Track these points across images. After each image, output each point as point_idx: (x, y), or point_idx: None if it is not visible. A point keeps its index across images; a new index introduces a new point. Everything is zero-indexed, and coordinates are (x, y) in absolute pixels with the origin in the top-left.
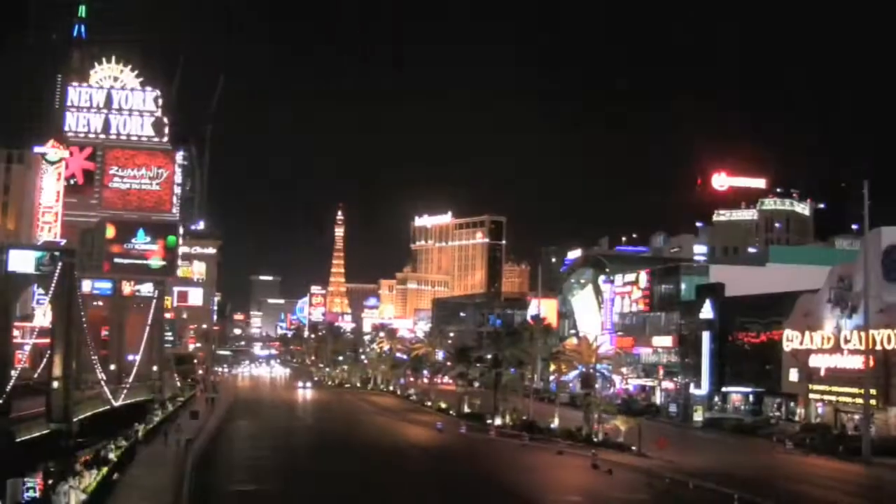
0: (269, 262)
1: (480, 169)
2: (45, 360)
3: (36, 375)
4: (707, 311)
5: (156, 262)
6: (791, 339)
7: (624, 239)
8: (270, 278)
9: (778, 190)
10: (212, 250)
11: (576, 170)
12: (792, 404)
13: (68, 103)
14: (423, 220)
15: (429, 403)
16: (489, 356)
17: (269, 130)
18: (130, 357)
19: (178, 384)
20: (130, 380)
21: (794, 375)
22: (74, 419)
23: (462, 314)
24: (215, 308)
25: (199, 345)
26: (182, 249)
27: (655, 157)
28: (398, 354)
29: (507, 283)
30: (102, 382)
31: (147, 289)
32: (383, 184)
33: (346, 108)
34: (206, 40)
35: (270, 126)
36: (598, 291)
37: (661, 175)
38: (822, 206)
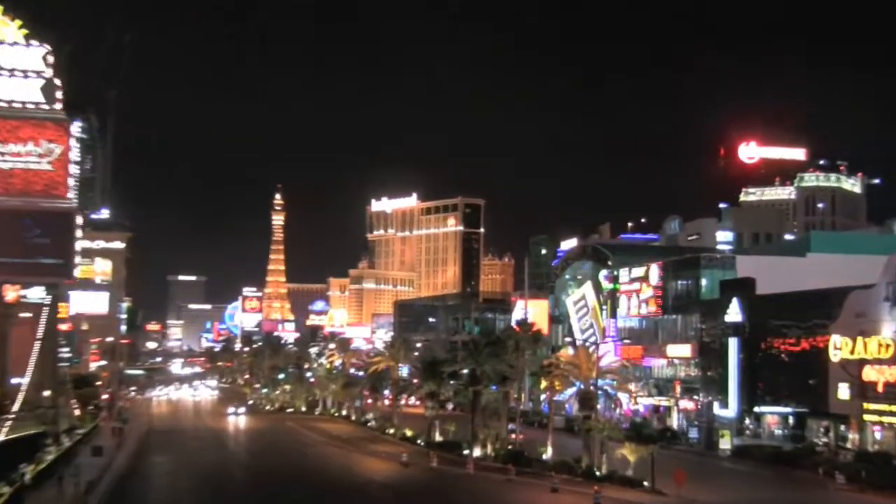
0: (191, 258)
1: (453, 145)
2: None
3: None
4: (734, 313)
5: (47, 260)
6: (839, 347)
7: (630, 225)
8: (193, 278)
9: (821, 162)
10: (119, 245)
11: (569, 144)
12: (842, 428)
13: None
14: (381, 205)
15: (391, 431)
16: (465, 371)
17: (194, 98)
18: (15, 380)
19: (77, 412)
20: (15, 408)
21: (843, 392)
22: None
23: (431, 319)
24: (124, 316)
25: (103, 363)
26: (81, 244)
27: (667, 127)
28: (353, 370)
29: (487, 281)
30: None
31: (37, 294)
32: (333, 162)
33: (288, 74)
34: None
35: (195, 93)
36: (598, 290)
37: (675, 148)
38: (876, 181)
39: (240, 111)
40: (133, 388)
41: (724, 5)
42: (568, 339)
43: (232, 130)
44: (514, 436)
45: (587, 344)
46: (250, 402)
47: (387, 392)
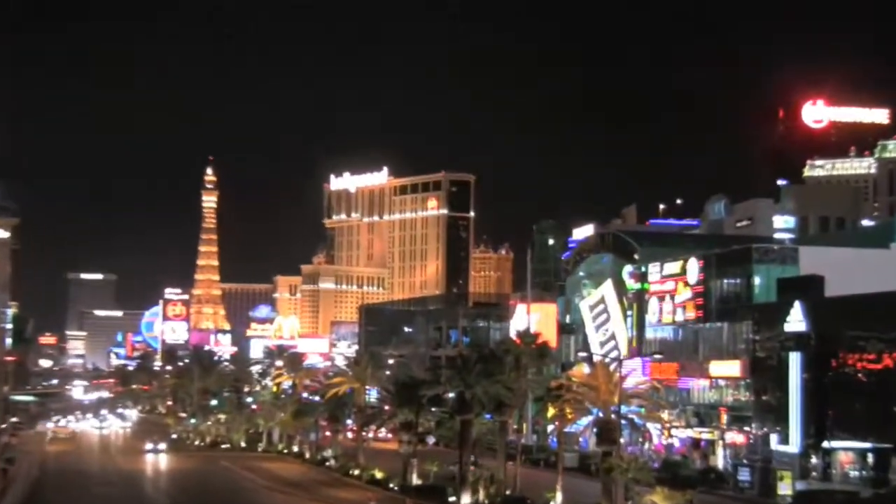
0: (97, 252)
1: (434, 111)
2: None
3: None
4: (796, 321)
5: None
6: None
7: (662, 208)
8: (100, 277)
9: None
10: (2, 233)
11: (585, 107)
12: None
13: None
14: (343, 182)
15: (356, 472)
16: (451, 395)
17: (103, 59)
18: None
19: None
20: None
21: None
22: None
23: (407, 329)
24: (9, 326)
25: None
26: None
27: (709, 85)
28: (306, 395)
29: (478, 280)
30: None
31: None
32: (282, 132)
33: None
34: None
35: (104, 53)
36: (621, 290)
37: (720, 111)
38: None
39: (160, 71)
40: (18, 420)
41: None
42: (582, 354)
43: (150, 94)
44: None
45: (607, 360)
46: (174, 435)
47: (350, 422)
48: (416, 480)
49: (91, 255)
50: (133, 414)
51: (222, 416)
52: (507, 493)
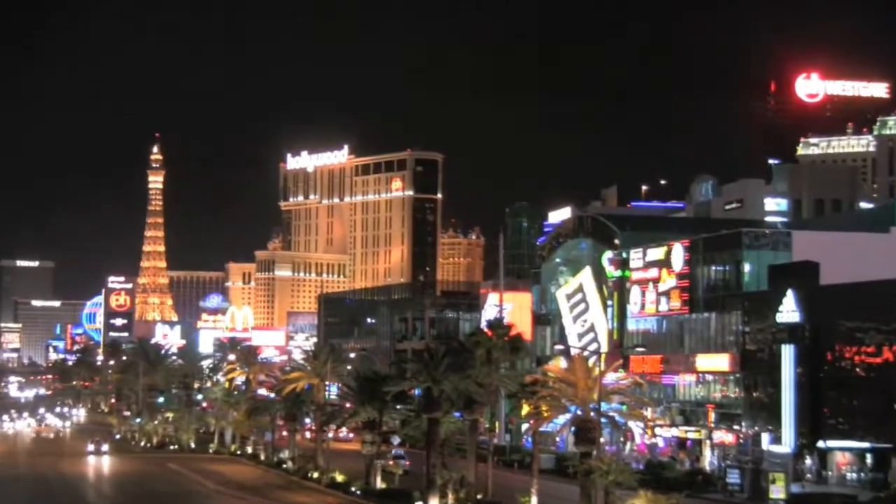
0: (32, 236)
1: (399, 87)
2: None
3: None
4: (789, 311)
5: None
6: None
7: (645, 189)
8: (35, 264)
9: None
10: None
11: (560, 82)
12: None
13: None
14: (300, 161)
15: (315, 475)
16: (417, 392)
17: (37, 26)
18: None
19: None
20: None
21: None
22: None
23: (370, 320)
24: None
25: None
26: None
27: (695, 57)
28: (261, 391)
29: (447, 267)
30: None
31: None
32: (233, 106)
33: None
34: None
35: (38, 20)
36: (601, 278)
37: (706, 85)
38: None
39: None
40: None
41: None
42: (559, 348)
43: (92, 66)
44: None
45: (586, 353)
46: (117, 436)
47: (308, 421)
48: (380, 484)
49: (26, 240)
50: (71, 412)
51: (170, 415)
52: (479, 497)
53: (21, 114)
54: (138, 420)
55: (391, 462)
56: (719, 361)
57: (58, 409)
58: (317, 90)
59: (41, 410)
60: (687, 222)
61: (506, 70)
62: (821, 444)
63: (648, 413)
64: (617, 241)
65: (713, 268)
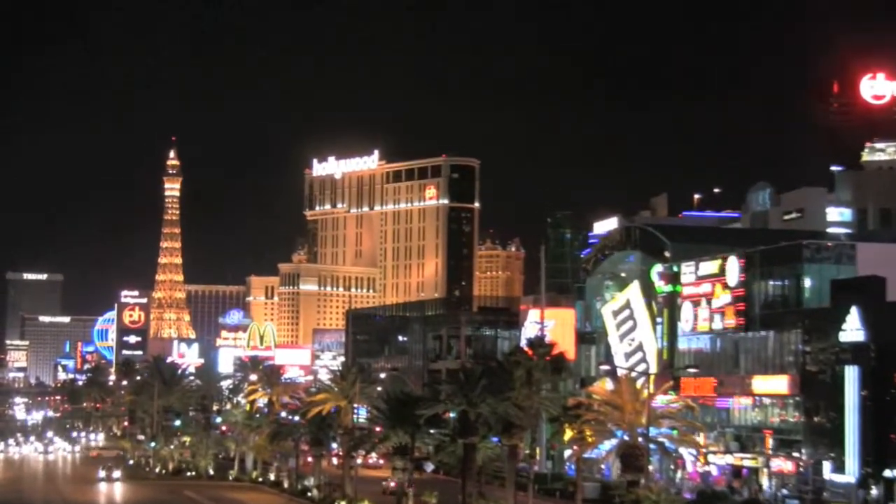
0: (41, 247)
1: (433, 90)
2: None
3: None
4: (853, 329)
5: None
6: None
7: (697, 198)
8: (43, 277)
9: None
10: None
11: (604, 86)
12: None
13: None
14: (327, 167)
15: (342, 503)
16: (452, 415)
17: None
18: None
19: None
20: None
21: None
22: None
23: (401, 338)
24: None
25: None
26: None
27: (752, 59)
28: (285, 414)
29: (484, 281)
30: None
31: None
32: (255, 112)
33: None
34: None
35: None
36: (650, 294)
37: (764, 88)
38: None
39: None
40: None
41: None
42: (605, 368)
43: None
44: None
45: (633, 374)
46: (130, 461)
47: (335, 446)
48: None
49: (34, 251)
50: (82, 436)
51: (187, 439)
52: None
53: (25, 116)
54: (153, 444)
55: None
56: (777, 383)
57: (66, 432)
58: (345, 91)
59: (49, 433)
60: (743, 234)
61: (547, 72)
62: (887, 472)
63: (701, 439)
64: (667, 254)
65: (771, 282)
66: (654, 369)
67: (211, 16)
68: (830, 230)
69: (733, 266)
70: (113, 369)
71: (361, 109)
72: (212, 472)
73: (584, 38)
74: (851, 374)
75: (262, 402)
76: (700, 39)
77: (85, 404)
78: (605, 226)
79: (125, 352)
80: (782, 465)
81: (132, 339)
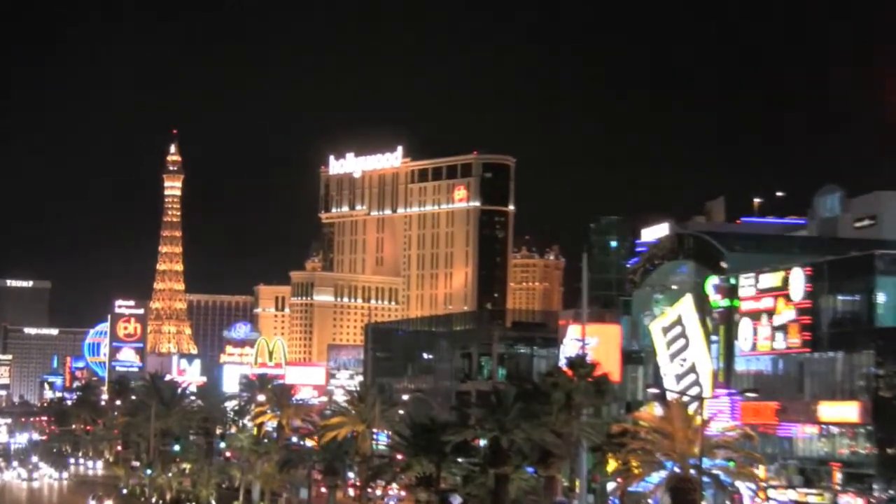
0: (26, 253)
1: (464, 81)
2: None
3: None
4: None
5: None
6: None
7: (757, 202)
8: (29, 284)
9: None
10: None
11: (650, 80)
12: None
13: None
14: (345, 165)
15: None
16: (482, 442)
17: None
18: None
19: None
20: None
21: None
22: None
23: (426, 356)
24: None
25: None
26: None
27: (818, 55)
28: (296, 439)
29: (519, 293)
30: None
31: None
32: (265, 104)
33: None
34: None
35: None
36: (704, 308)
37: (829, 83)
38: None
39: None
40: None
41: None
42: (653, 391)
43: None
44: None
45: (685, 398)
46: (124, 491)
47: (352, 475)
48: None
49: (18, 257)
50: (70, 461)
51: (187, 466)
52: None
53: (16, 113)
54: (149, 472)
55: None
56: (847, 410)
57: (53, 458)
58: (367, 82)
59: (34, 458)
60: (809, 242)
61: (592, 65)
62: None
63: (760, 471)
64: (724, 265)
65: (840, 297)
66: (707, 393)
67: (211, 16)
68: None
69: (798, 279)
70: (105, 387)
71: (383, 102)
72: (214, 502)
73: (629, 35)
74: None
75: (270, 425)
76: (756, 37)
77: (74, 426)
78: (655, 232)
79: (119, 368)
80: (851, 501)
81: (127, 354)
